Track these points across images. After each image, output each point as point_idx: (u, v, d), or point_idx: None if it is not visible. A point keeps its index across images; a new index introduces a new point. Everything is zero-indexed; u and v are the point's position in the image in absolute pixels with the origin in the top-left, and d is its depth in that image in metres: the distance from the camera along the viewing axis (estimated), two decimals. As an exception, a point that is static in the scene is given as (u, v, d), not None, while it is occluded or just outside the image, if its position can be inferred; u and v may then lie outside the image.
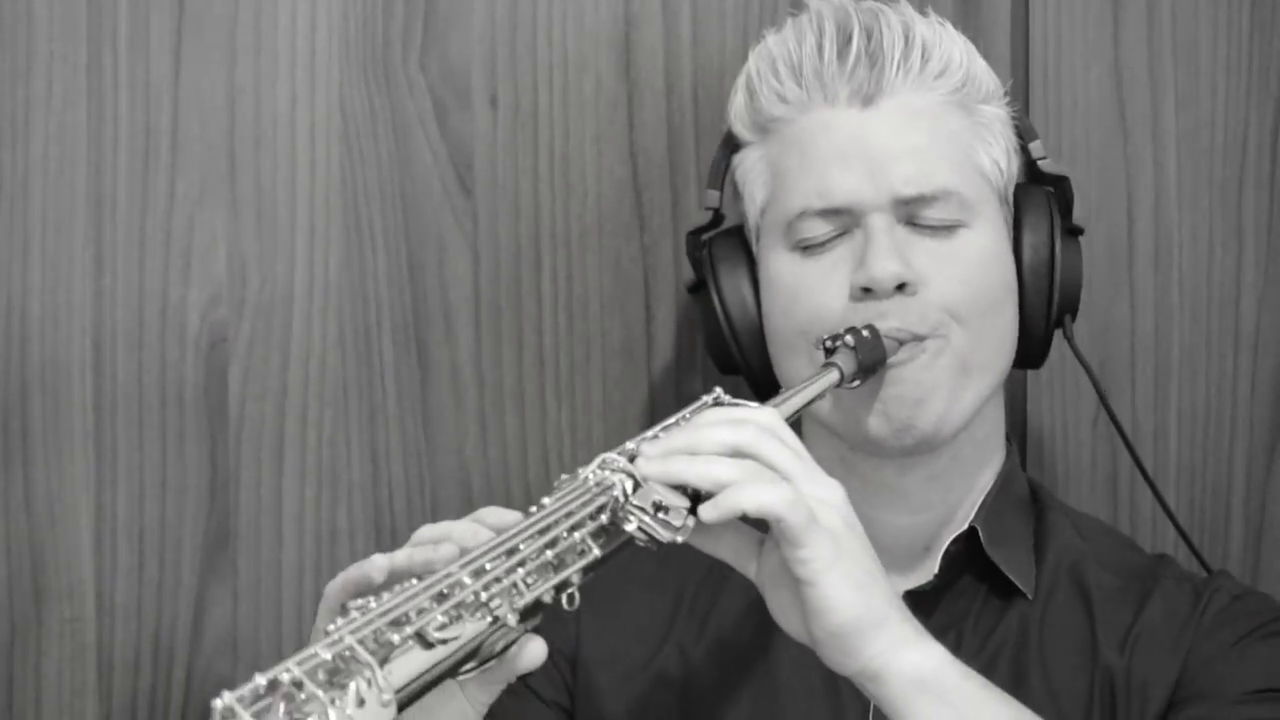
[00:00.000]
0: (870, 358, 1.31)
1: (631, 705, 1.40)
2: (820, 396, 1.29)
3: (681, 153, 1.65)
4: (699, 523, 1.16)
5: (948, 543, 1.39)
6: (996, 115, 1.42)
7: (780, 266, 1.40)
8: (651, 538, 1.14)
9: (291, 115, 1.62)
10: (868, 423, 1.35)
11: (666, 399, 1.66)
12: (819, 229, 1.37)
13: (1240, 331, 1.68)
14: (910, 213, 1.36)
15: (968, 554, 1.39)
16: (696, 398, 1.66)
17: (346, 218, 1.63)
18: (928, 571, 1.39)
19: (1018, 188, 1.44)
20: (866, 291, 1.34)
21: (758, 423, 1.18)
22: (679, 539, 1.15)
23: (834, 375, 1.29)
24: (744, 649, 1.40)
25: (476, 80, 1.64)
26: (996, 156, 1.41)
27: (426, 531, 1.16)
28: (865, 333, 1.31)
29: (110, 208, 1.61)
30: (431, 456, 1.65)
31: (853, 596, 1.15)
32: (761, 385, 1.44)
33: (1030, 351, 1.43)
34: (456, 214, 1.64)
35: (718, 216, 1.48)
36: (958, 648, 1.36)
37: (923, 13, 1.43)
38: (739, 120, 1.44)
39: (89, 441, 1.62)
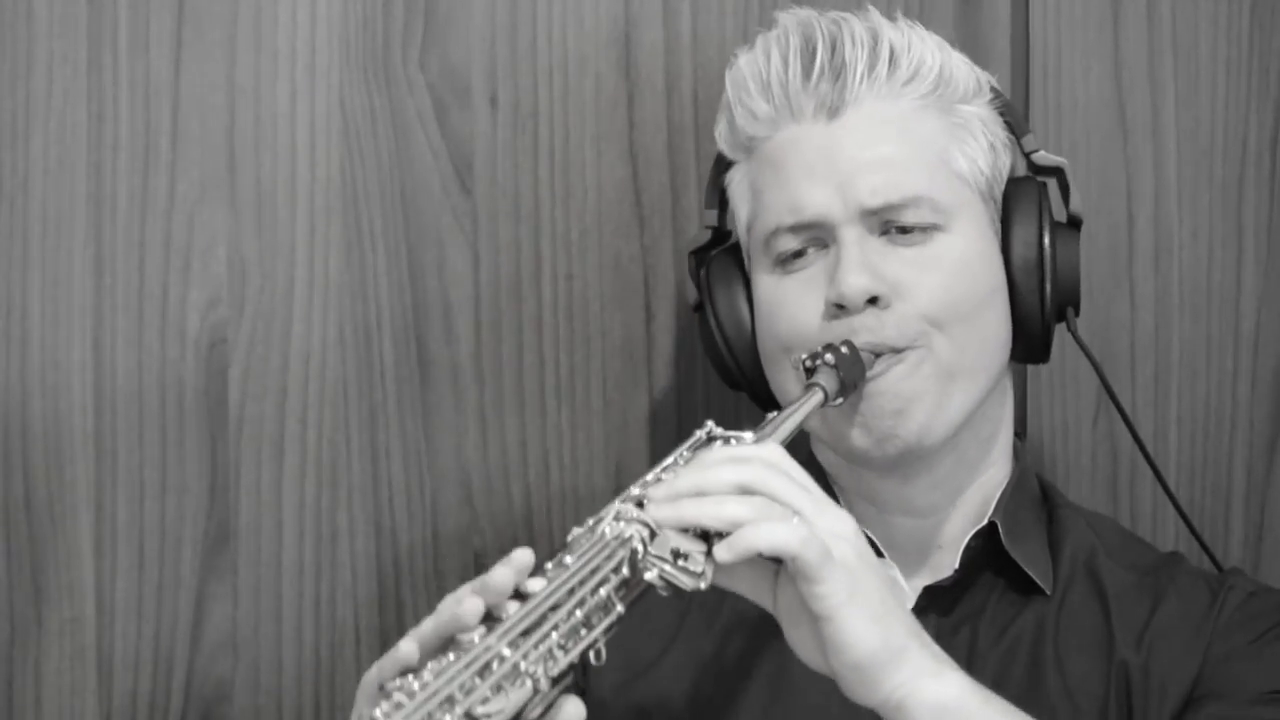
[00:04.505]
0: (851, 375, 1.31)
1: (644, 701, 1.40)
2: (808, 418, 1.29)
3: (681, 153, 1.65)
4: (716, 564, 1.15)
5: (968, 537, 1.39)
6: (976, 114, 1.41)
7: (763, 284, 1.41)
8: (673, 586, 1.13)
9: (291, 115, 1.62)
10: (850, 436, 1.35)
11: (667, 399, 1.66)
12: (793, 244, 1.38)
13: (1240, 331, 1.68)
14: (882, 222, 1.36)
15: (986, 550, 1.39)
16: (696, 398, 1.68)
17: (346, 218, 1.63)
18: (946, 567, 1.40)
19: (1010, 181, 1.43)
20: (840, 308, 1.34)
21: (762, 459, 1.17)
22: (701, 585, 1.13)
23: (818, 396, 1.29)
24: (755, 643, 1.40)
25: (476, 80, 1.64)
26: (975, 156, 1.40)
27: (449, 600, 1.13)
28: (844, 349, 1.31)
29: (110, 208, 1.61)
30: (431, 456, 1.64)
31: (871, 630, 1.15)
32: (764, 400, 1.45)
33: (1031, 346, 1.42)
34: (456, 214, 1.64)
35: (717, 235, 1.49)
36: (975, 644, 1.37)
37: (891, 17, 1.42)
38: (724, 141, 1.45)
39: (89, 441, 1.62)
